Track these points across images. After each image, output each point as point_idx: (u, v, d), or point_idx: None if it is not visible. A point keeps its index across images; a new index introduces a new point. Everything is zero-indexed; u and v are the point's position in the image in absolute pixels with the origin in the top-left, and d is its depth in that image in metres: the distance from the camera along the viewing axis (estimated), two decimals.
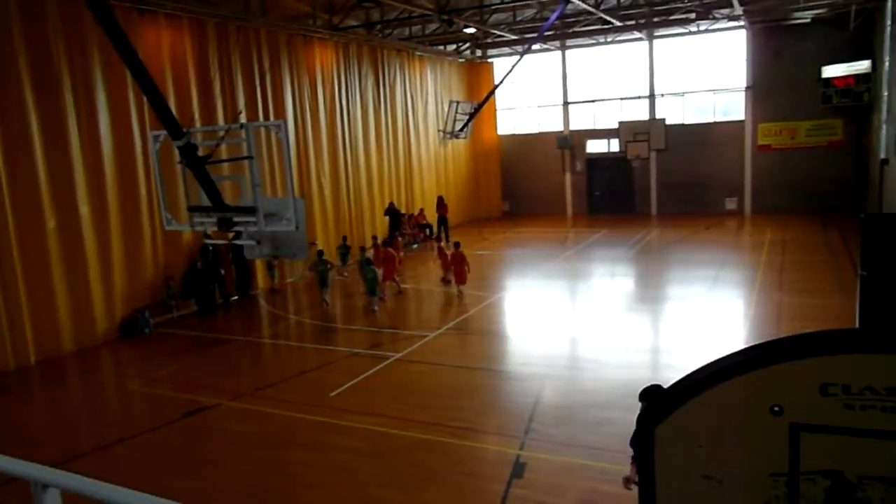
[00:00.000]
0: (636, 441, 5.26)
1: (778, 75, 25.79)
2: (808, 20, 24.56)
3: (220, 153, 9.11)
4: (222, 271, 16.96)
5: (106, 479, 2.42)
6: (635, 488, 5.68)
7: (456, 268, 16.57)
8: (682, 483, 2.50)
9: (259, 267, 18.35)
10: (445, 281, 17.73)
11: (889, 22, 18.98)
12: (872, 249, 3.37)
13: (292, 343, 14.11)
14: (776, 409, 2.35)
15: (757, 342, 2.61)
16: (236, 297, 17.44)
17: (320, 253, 17.14)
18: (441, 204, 25.48)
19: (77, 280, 13.84)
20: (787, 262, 18.15)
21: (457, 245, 17.12)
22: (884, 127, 19.72)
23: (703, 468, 2.46)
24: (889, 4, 19.00)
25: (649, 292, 16.84)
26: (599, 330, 13.41)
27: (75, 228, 13.79)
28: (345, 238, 20.96)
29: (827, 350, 2.29)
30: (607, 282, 18.56)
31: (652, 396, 5.49)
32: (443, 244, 20.38)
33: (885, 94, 19.38)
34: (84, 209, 13.96)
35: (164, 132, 8.17)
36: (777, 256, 18.80)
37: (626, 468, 5.93)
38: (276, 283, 18.59)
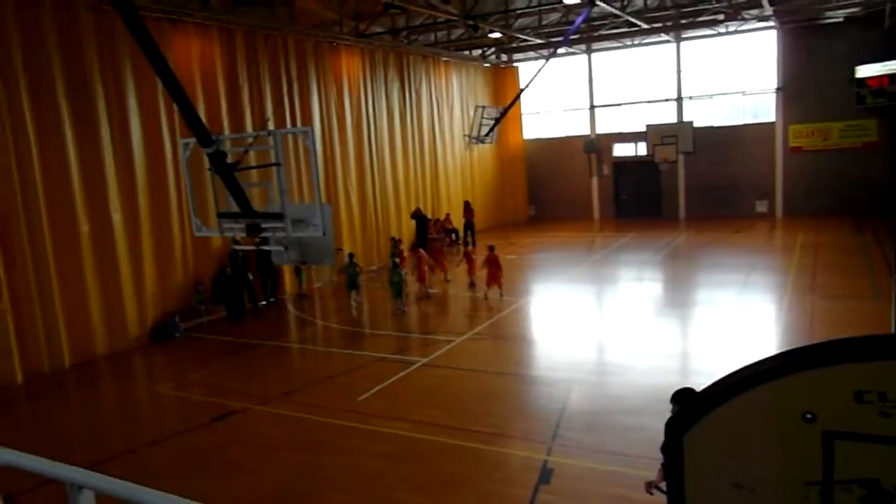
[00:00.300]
0: (666, 447, 5.23)
1: (809, 76, 25.34)
2: (841, 19, 24.11)
3: (249, 160, 9.22)
4: (250, 276, 17.15)
5: (138, 481, 2.46)
6: (657, 494, 5.66)
7: (490, 270, 16.48)
8: (712, 491, 2.46)
9: (287, 272, 18.52)
10: (472, 285, 17.74)
11: None
12: None
13: (319, 348, 14.22)
14: (809, 416, 2.30)
15: (789, 347, 2.56)
16: (264, 303, 17.64)
17: (351, 256, 17.30)
18: (468, 209, 25.48)
19: (110, 285, 14.12)
20: (820, 265, 17.80)
21: (491, 248, 16.88)
22: None
23: (734, 476, 2.41)
24: None
25: (678, 297, 16.63)
26: (627, 335, 13.28)
27: (108, 234, 14.07)
28: (393, 238, 21.34)
29: (862, 356, 2.23)
30: (635, 286, 18.38)
31: (684, 399, 5.45)
32: (469, 248, 20.37)
33: None
34: (116, 216, 14.24)
35: (193, 140, 8.30)
36: (809, 260, 18.44)
37: (654, 474, 5.86)
38: (303, 288, 18.75)
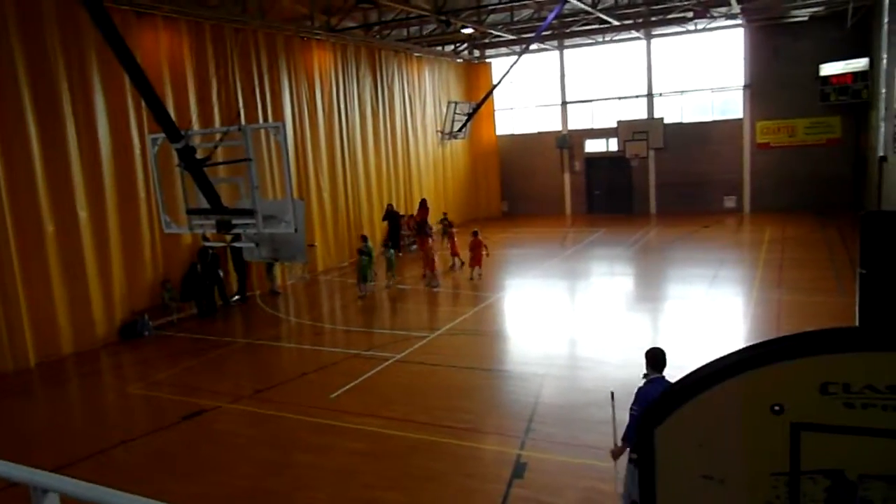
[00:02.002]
0: (633, 432, 5.99)
1: (776, 73, 25.80)
2: (806, 18, 24.58)
3: (219, 155, 9.10)
4: (221, 273, 16.93)
5: (106, 483, 2.42)
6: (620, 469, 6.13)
7: (473, 252, 18.24)
8: (683, 483, 2.49)
9: (259, 269, 18.33)
10: (424, 276, 18.49)
11: (886, 19, 18.98)
12: (872, 247, 3.37)
13: (292, 345, 14.10)
14: (776, 408, 2.35)
15: (757, 341, 2.61)
16: (237, 298, 17.45)
17: (364, 238, 18.06)
18: (423, 207, 24.18)
19: (76, 283, 13.83)
20: (787, 259, 18.16)
21: (475, 233, 18.64)
22: (882, 124, 19.73)
23: (704, 468, 2.45)
24: (886, 1, 19.00)
25: (649, 291, 16.84)
26: (599, 329, 13.41)
27: (74, 232, 13.77)
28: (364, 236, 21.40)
29: (827, 349, 2.28)
30: (607, 281, 18.55)
31: (651, 358, 6.23)
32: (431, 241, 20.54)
33: (883, 91, 19.39)
34: (83, 213, 13.95)
35: (162, 135, 8.16)
36: (776, 254, 18.81)
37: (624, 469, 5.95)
38: (276, 285, 18.58)
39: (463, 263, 19.18)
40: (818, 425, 2.30)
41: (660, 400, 2.48)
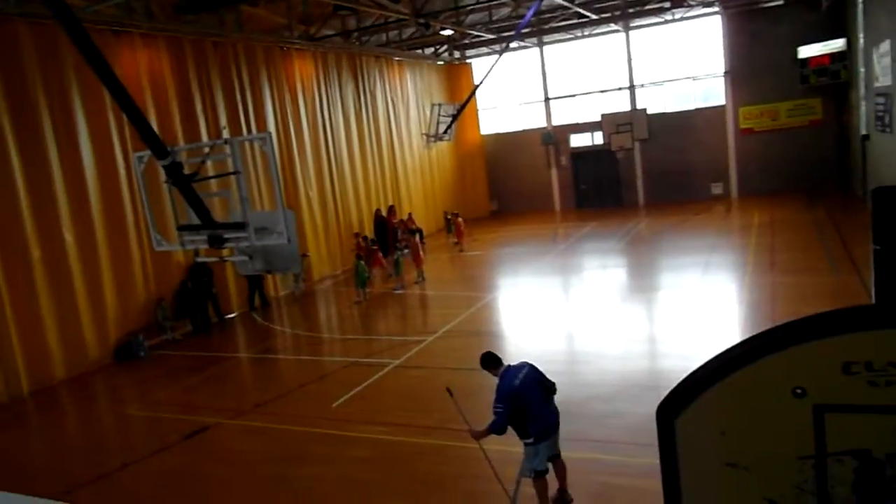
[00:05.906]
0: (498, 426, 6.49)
1: (755, 58, 25.94)
2: (781, 2, 24.74)
3: (207, 170, 9.00)
4: (215, 289, 16.80)
5: None
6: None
7: (457, 229, 23.24)
8: (707, 472, 2.46)
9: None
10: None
11: None
12: (884, 223, 3.35)
13: (290, 356, 14.01)
14: (798, 391, 2.31)
15: (753, 325, 2.58)
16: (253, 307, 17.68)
17: (359, 256, 18.30)
18: (379, 217, 23.74)
19: (66, 307, 13.65)
20: (777, 242, 18.24)
21: (456, 215, 24.12)
22: (863, 103, 19.88)
23: (728, 456, 2.41)
24: None
25: (643, 282, 16.86)
26: (596, 323, 13.40)
27: (61, 256, 13.60)
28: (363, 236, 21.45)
29: (847, 328, 2.25)
30: (600, 274, 18.56)
31: (485, 361, 6.89)
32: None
33: (862, 70, 19.54)
34: (69, 236, 13.78)
35: (147, 153, 8.06)
36: (766, 238, 18.89)
37: (636, 459, 5.91)
38: (298, 287, 18.67)
39: (424, 279, 18.61)
40: (842, 406, 2.27)
41: (677, 390, 2.45)
